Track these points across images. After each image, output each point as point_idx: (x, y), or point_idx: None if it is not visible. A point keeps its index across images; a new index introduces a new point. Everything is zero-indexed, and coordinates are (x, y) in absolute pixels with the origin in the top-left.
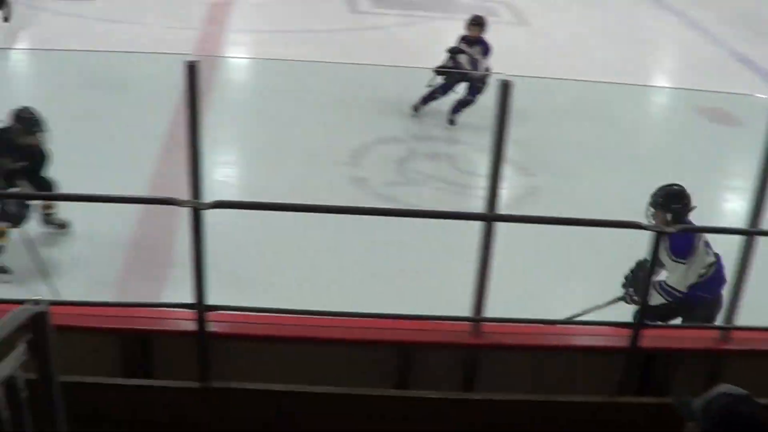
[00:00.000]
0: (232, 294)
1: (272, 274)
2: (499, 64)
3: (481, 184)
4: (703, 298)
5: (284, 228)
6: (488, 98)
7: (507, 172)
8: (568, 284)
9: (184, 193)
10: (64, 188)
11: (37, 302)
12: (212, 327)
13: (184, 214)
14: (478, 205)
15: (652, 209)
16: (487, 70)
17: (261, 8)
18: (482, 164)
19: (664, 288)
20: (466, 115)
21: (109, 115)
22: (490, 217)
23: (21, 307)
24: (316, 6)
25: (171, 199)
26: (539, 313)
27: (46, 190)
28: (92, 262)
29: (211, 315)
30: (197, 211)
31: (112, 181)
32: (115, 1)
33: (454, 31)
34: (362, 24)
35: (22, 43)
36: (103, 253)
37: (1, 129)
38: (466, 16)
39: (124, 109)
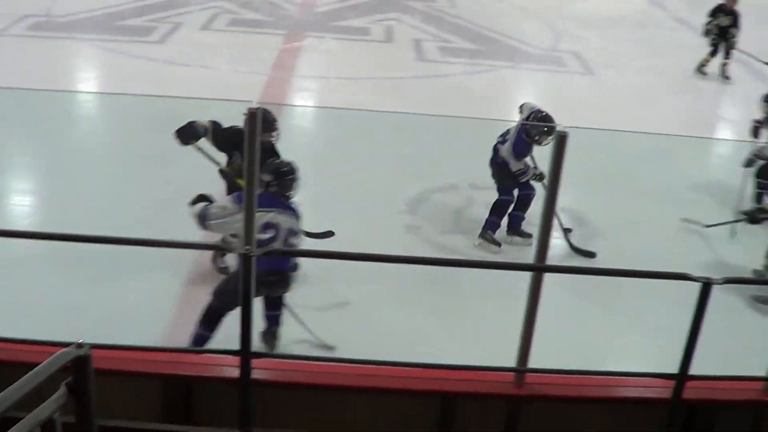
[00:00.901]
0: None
1: (322, 321)
2: (564, 115)
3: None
4: None
5: (337, 272)
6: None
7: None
8: (618, 336)
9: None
10: (127, 230)
11: (80, 345)
12: (256, 374)
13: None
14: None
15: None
16: None
17: (330, 55)
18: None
19: None
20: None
21: (173, 159)
22: (539, 268)
23: (64, 349)
24: (385, 54)
25: (226, 245)
26: (583, 364)
27: None
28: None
29: (255, 362)
30: (248, 257)
31: (173, 224)
32: (187, 44)
33: (518, 80)
34: (429, 72)
35: (94, 85)
36: (155, 292)
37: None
38: (532, 65)
39: (187, 153)
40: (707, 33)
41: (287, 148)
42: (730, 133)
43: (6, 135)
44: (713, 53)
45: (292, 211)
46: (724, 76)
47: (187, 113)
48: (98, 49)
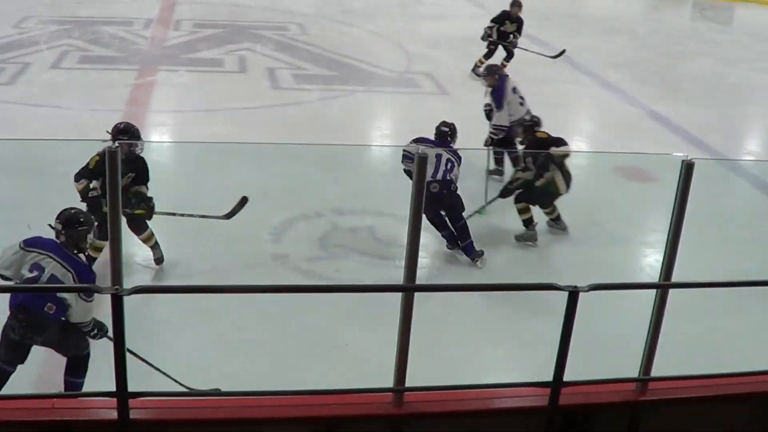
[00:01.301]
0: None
1: (192, 355)
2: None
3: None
4: None
5: (203, 307)
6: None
7: (424, 239)
8: (487, 348)
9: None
10: None
11: None
12: (135, 414)
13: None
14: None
15: None
16: None
17: (184, 88)
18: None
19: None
20: (388, 185)
21: (29, 202)
22: (409, 288)
23: None
24: (240, 84)
25: (92, 286)
26: (462, 379)
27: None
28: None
29: (133, 402)
30: (118, 297)
31: None
32: (37, 84)
33: (374, 104)
34: (285, 100)
35: None
36: None
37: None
38: (387, 88)
39: (44, 194)
40: (486, 37)
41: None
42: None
43: None
44: (488, 56)
45: (66, 262)
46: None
47: (42, 155)
48: None
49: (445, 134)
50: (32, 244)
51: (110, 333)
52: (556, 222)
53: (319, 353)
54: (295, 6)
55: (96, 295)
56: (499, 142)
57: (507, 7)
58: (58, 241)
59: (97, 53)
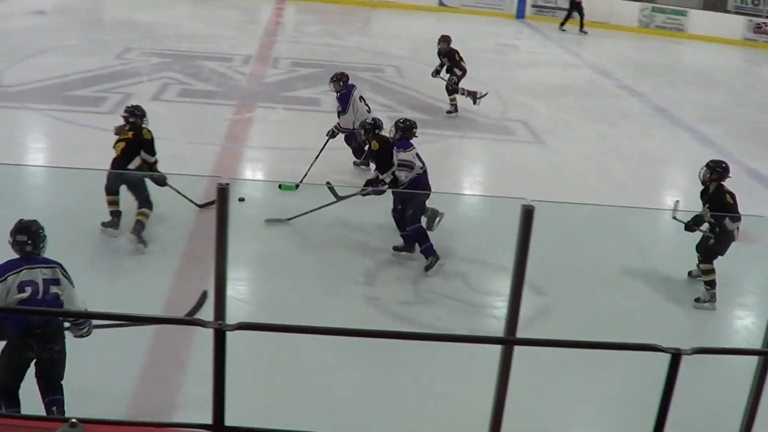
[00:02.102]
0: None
1: (286, 394)
2: (516, 183)
3: (495, 303)
4: None
5: (298, 346)
6: (504, 219)
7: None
8: (583, 407)
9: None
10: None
11: (73, 424)
12: None
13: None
14: (492, 326)
15: None
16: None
17: (281, 125)
18: (496, 283)
19: None
20: (481, 233)
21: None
22: (509, 341)
23: (59, 429)
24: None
25: (196, 320)
26: None
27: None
28: (105, 375)
29: None
30: (221, 332)
31: (132, 292)
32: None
33: (468, 150)
34: None
35: (45, 155)
36: (116, 369)
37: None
38: (481, 135)
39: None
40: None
41: (244, 221)
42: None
43: None
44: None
45: (43, 263)
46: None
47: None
48: (49, 118)
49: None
50: (2, 272)
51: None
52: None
53: (410, 399)
54: (393, 49)
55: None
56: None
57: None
58: (19, 255)
59: (197, 87)
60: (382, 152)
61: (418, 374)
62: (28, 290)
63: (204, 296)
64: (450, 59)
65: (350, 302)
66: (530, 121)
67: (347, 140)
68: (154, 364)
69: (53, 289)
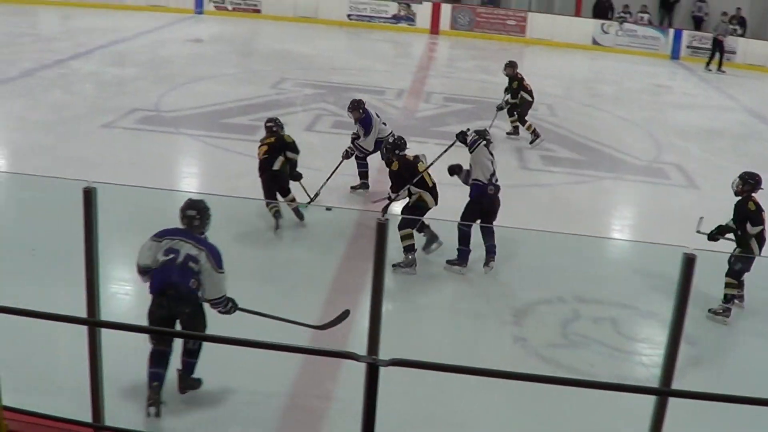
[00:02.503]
0: None
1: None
2: (668, 228)
3: (644, 350)
4: None
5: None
6: (658, 264)
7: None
8: None
9: (339, 340)
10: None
11: None
12: None
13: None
14: (641, 374)
15: None
16: None
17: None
18: (645, 330)
19: None
20: (633, 278)
21: (281, 259)
22: (665, 392)
23: None
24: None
25: (350, 353)
26: None
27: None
28: (252, 401)
29: None
30: (374, 367)
31: (279, 324)
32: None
33: (620, 192)
34: (531, 181)
35: (202, 180)
36: (262, 396)
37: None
38: (634, 177)
39: (298, 252)
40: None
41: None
42: None
43: (112, 228)
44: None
45: (196, 241)
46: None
47: (291, 215)
48: (204, 144)
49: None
50: (162, 234)
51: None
52: None
53: None
54: (545, 86)
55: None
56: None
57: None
58: (184, 227)
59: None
60: (401, 172)
61: (563, 419)
62: (170, 256)
63: (345, 314)
64: (518, 84)
65: (498, 341)
66: (684, 165)
67: (359, 160)
68: (299, 392)
69: (190, 264)
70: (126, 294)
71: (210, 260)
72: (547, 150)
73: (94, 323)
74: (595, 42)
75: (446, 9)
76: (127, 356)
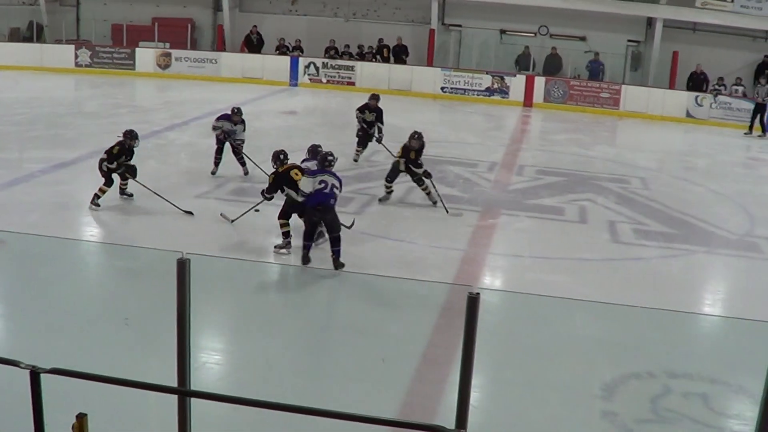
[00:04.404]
0: None
1: None
2: (765, 304)
3: (735, 426)
4: None
5: None
6: (744, 339)
7: None
8: None
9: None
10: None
11: None
12: None
13: None
14: None
15: None
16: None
17: (524, 234)
18: (737, 405)
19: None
20: (723, 354)
21: (372, 330)
22: None
23: None
24: (579, 235)
25: (439, 427)
26: None
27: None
28: None
29: None
30: None
31: (367, 394)
32: (383, 217)
33: (714, 266)
34: (623, 254)
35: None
36: None
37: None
38: (728, 251)
39: (387, 325)
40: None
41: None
42: None
43: (202, 297)
44: (361, 144)
45: (334, 175)
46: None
47: (384, 287)
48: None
49: (331, 162)
50: (314, 173)
51: None
52: None
53: None
54: (639, 159)
55: None
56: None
57: None
58: (326, 167)
59: (442, 192)
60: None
61: None
62: (323, 185)
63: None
64: (378, 115)
65: (587, 416)
66: None
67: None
68: None
69: (335, 190)
70: (216, 363)
71: (340, 186)
72: (640, 224)
73: (184, 393)
74: (689, 114)
75: (540, 82)
76: (217, 426)
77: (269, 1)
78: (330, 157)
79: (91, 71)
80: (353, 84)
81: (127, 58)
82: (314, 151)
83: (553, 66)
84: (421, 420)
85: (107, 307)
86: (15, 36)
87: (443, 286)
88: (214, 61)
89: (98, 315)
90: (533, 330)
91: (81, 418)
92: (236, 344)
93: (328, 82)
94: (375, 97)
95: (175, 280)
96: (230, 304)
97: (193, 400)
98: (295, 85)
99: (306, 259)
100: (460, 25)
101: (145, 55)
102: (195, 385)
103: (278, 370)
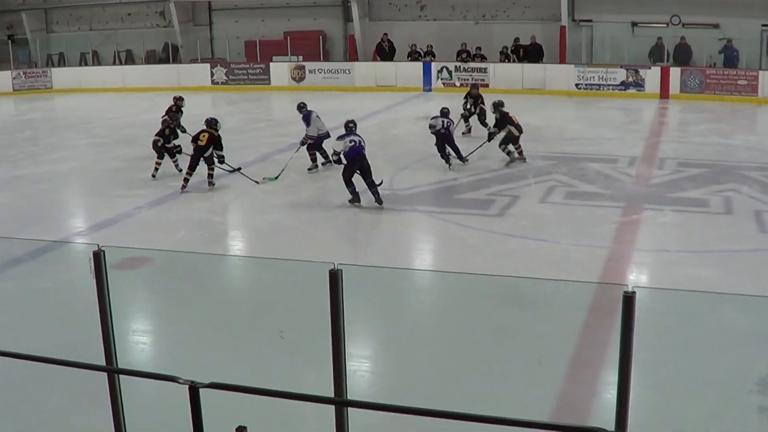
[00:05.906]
0: None
1: None
2: None
3: None
4: None
5: None
6: None
7: None
8: None
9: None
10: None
11: None
12: None
13: None
14: None
15: None
16: None
17: (668, 228)
18: None
19: None
20: None
21: (519, 332)
22: None
23: None
24: (725, 226)
25: (599, 429)
26: None
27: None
28: None
29: None
30: None
31: (519, 397)
32: (525, 218)
33: None
34: None
35: (437, 256)
36: None
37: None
38: None
39: (534, 327)
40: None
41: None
42: None
43: (351, 306)
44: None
45: (359, 137)
46: None
47: (527, 290)
48: (439, 221)
49: (353, 127)
50: (343, 136)
51: None
52: None
53: None
54: None
55: None
56: (309, 146)
57: None
58: (352, 128)
59: (583, 189)
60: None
61: None
62: (353, 143)
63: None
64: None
65: (743, 412)
66: None
67: (313, 147)
68: None
69: (362, 143)
70: (367, 371)
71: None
72: None
73: (342, 403)
74: None
75: (675, 72)
76: None
77: (398, 8)
78: (351, 124)
79: (227, 88)
80: (487, 86)
81: (262, 74)
82: (346, 126)
83: (684, 55)
84: (576, 422)
85: (260, 318)
86: (152, 58)
87: (589, 285)
88: (347, 71)
89: (251, 327)
90: (684, 326)
91: (241, 430)
92: (384, 351)
93: (461, 85)
94: (475, 87)
95: (328, 291)
96: (375, 312)
97: (350, 410)
98: (429, 90)
99: (355, 197)
100: (590, 20)
101: (279, 70)
102: (349, 394)
103: (428, 375)
